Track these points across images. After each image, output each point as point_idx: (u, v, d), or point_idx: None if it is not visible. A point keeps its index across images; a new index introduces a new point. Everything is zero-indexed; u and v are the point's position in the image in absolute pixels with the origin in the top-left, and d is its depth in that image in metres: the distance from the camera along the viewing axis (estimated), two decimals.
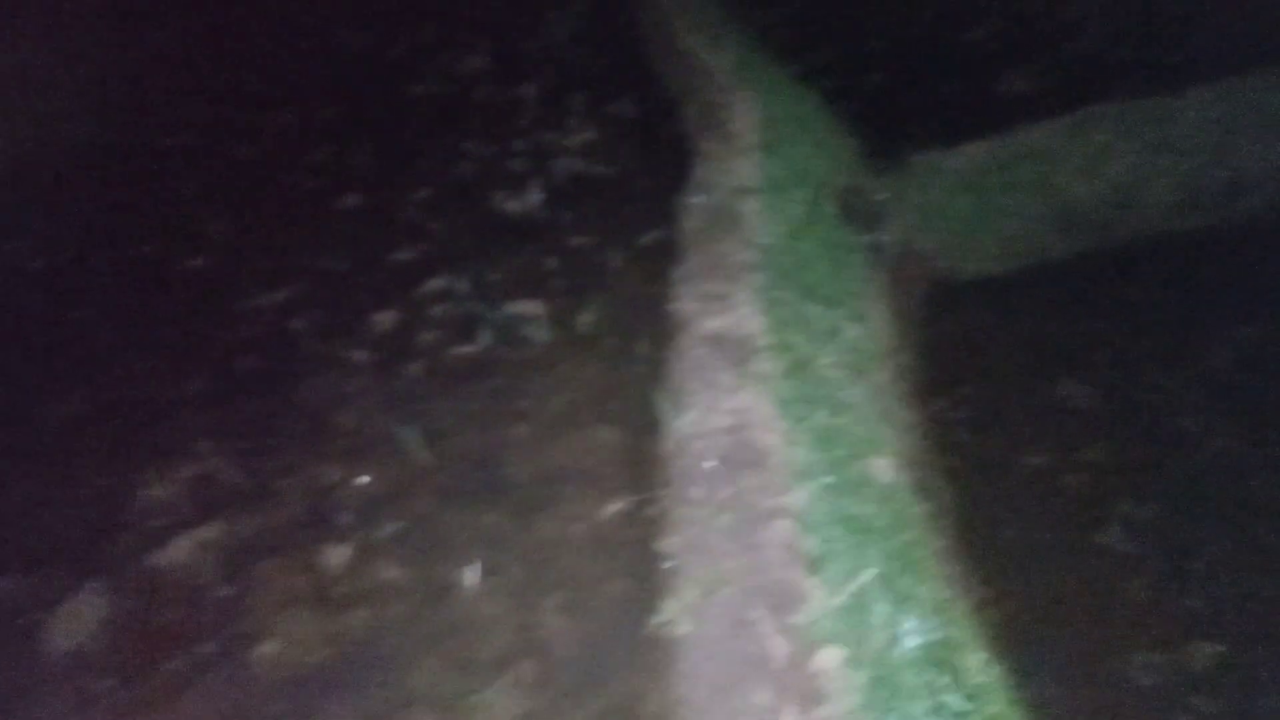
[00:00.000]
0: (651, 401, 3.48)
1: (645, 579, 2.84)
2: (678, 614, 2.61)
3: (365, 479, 3.45)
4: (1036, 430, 4.16)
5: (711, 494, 2.97)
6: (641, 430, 3.42)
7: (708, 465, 3.09)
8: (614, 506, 3.12)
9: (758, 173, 4.77)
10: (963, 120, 5.80)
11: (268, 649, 2.87)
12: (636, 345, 3.87)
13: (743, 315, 3.80)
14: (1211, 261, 4.84)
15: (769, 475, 3.00)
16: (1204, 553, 3.38)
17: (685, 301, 4.00)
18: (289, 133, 6.22)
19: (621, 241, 4.64)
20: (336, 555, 3.10)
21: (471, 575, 2.95)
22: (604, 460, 3.34)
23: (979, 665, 2.43)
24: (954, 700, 2.28)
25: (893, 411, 3.66)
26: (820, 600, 2.53)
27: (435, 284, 4.63)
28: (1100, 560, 3.50)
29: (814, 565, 2.64)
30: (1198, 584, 3.29)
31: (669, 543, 2.90)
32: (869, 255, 4.75)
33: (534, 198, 5.25)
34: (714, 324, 3.78)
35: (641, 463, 3.27)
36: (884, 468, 3.13)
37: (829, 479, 2.97)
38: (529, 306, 4.33)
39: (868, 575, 2.60)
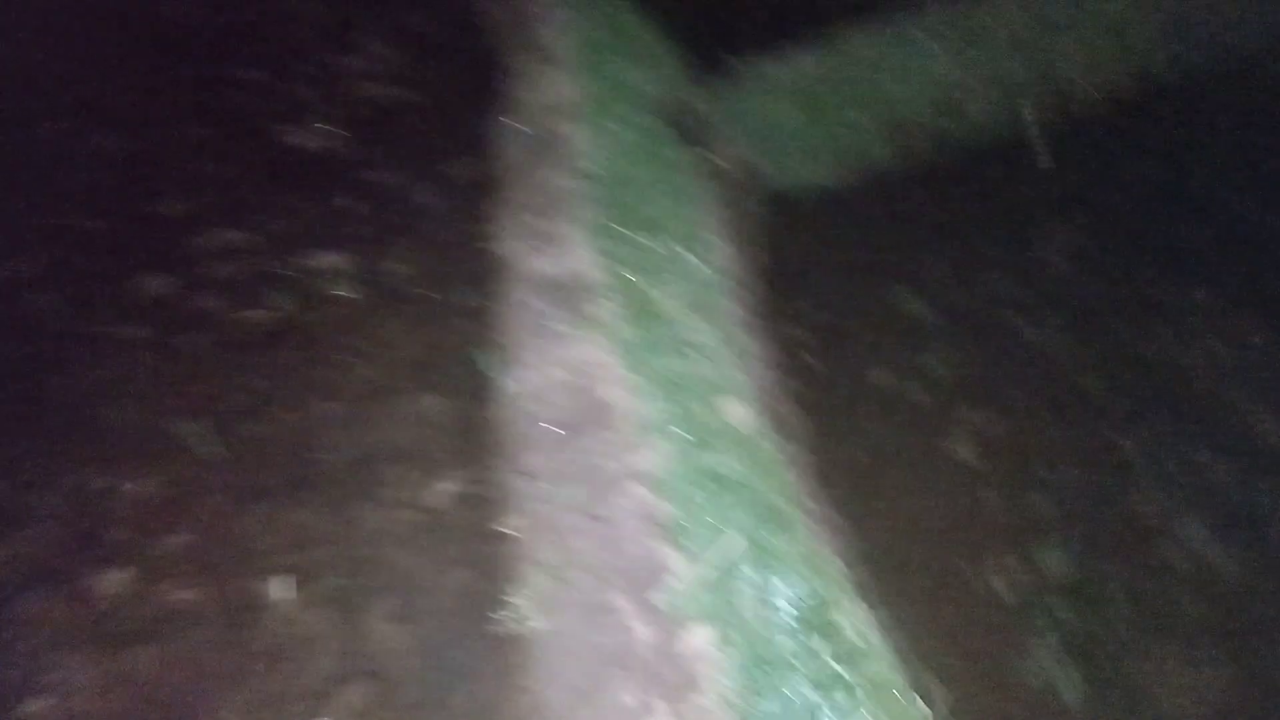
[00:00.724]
0: (478, 360, 3.10)
1: (486, 569, 2.52)
2: (527, 607, 2.31)
3: (141, 483, 2.91)
4: (878, 345, 4.06)
5: (553, 461, 2.66)
6: (469, 395, 3.04)
7: (547, 428, 2.76)
8: (444, 486, 2.75)
9: (578, 92, 4.36)
10: (789, 26, 5.55)
11: (36, 706, 2.37)
12: (457, 296, 3.45)
13: (574, 254, 3.45)
14: (1031, 160, 4.86)
15: (616, 434, 2.71)
16: (1048, 456, 3.39)
17: (509, 242, 3.60)
18: (18, 61, 5.23)
19: (431, 176, 4.15)
20: (112, 581, 2.60)
21: (281, 588, 2.52)
22: (429, 434, 2.95)
23: (856, 624, 2.27)
24: (835, 667, 2.10)
25: (740, 344, 3.43)
26: (684, 573, 2.29)
27: (214, 239, 3.99)
28: (951, 472, 3.45)
29: (674, 534, 2.39)
30: (1045, 488, 3.29)
31: (510, 523, 2.58)
32: (704, 176, 4.46)
33: (324, 130, 4.62)
34: (542, 266, 3.41)
35: (472, 433, 2.91)
36: (738, 410, 2.90)
37: (682, 431, 2.71)
38: (328, 259, 3.79)
39: (734, 539, 2.38)
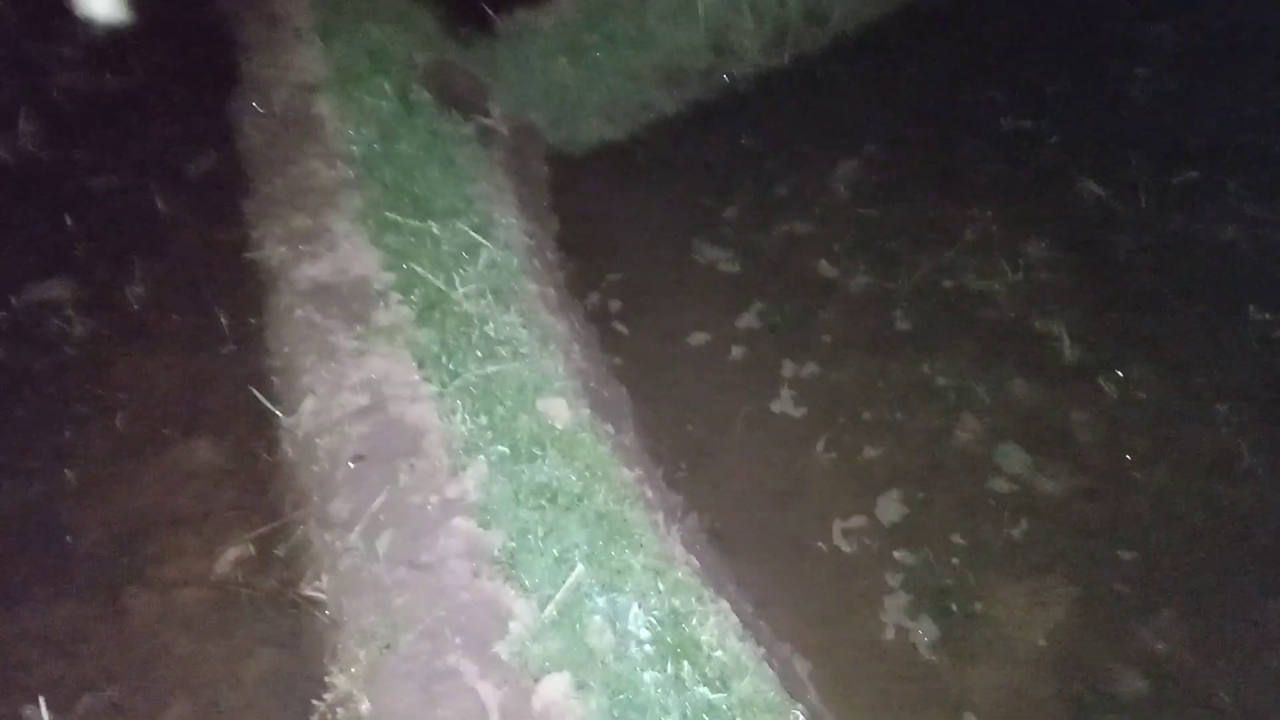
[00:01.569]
0: (253, 393, 2.64)
1: (296, 646, 2.14)
2: (351, 685, 1.97)
3: None
4: (689, 304, 3.89)
5: (361, 505, 2.29)
6: (249, 436, 2.59)
7: (349, 465, 2.39)
8: (233, 552, 2.32)
9: (323, 63, 3.84)
10: None
11: None
12: (215, 317, 2.94)
13: (348, 252, 3.02)
14: (808, 95, 4.81)
15: (429, 461, 2.37)
16: (870, 400, 3.36)
17: (269, 246, 3.11)
18: None
19: (164, 176, 3.53)
20: None
21: (38, 715, 2.03)
22: (205, 490, 2.48)
23: (719, 635, 2.09)
24: (707, 695, 1.91)
25: (548, 329, 3.14)
26: (526, 617, 2.02)
27: None
28: (779, 429, 3.35)
29: (509, 570, 2.11)
30: (872, 435, 3.26)
31: (318, 586, 2.20)
32: (478, 143, 4.08)
33: (27, 131, 3.85)
34: (313, 270, 2.96)
35: (258, 482, 2.47)
36: (559, 408, 2.62)
37: (501, 446, 2.41)
38: (50, 289, 3.15)
39: (574, 568, 2.12)
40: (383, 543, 2.14)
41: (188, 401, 2.72)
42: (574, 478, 2.38)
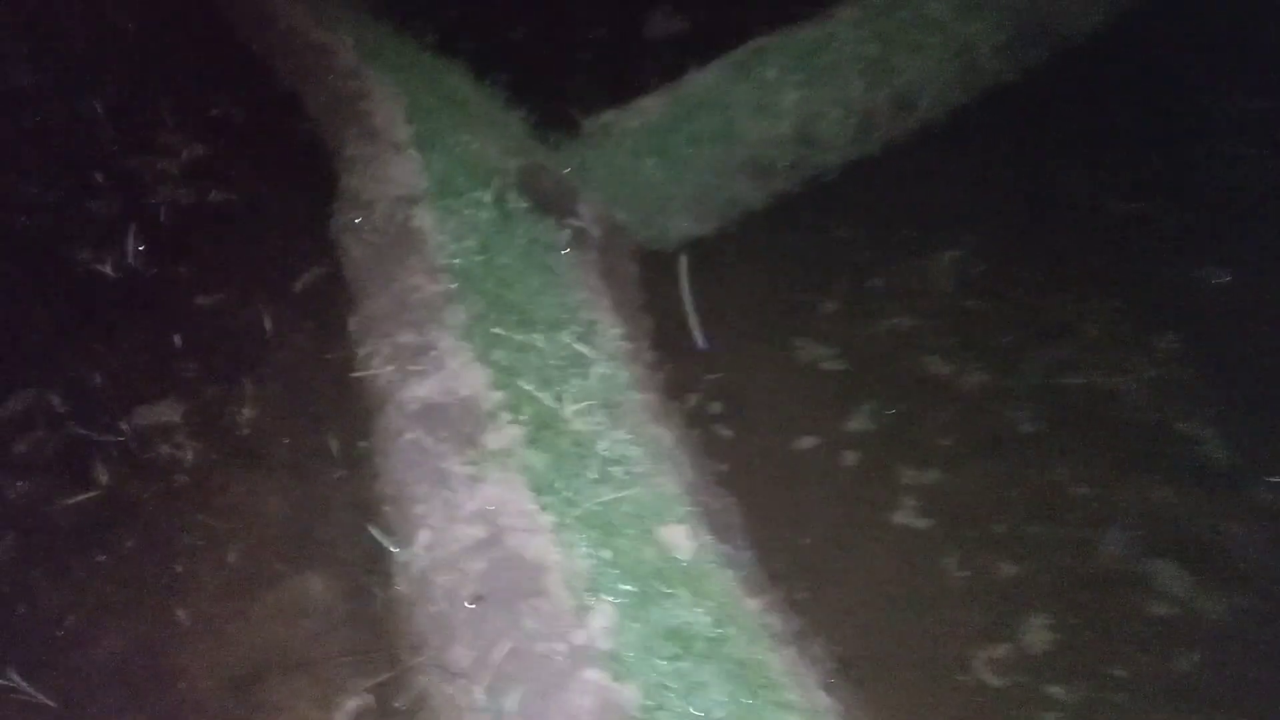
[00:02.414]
0: (365, 524, 2.52)
1: None
2: None
3: None
4: (794, 407, 3.70)
5: (483, 652, 2.12)
6: (361, 571, 2.46)
7: (468, 606, 2.23)
8: (351, 704, 2.17)
9: (422, 174, 3.82)
10: (626, 72, 5.21)
11: None
12: (325, 440, 2.84)
13: (455, 370, 2.91)
14: (900, 183, 4.66)
15: (551, 602, 2.20)
16: (997, 509, 3.11)
17: (376, 364, 3.02)
18: None
19: (269, 292, 3.50)
20: None
21: None
22: (319, 631, 2.35)
23: None
24: None
25: (657, 442, 2.99)
26: None
27: (14, 405, 3.23)
28: (904, 543, 3.11)
29: None
30: (1003, 548, 3.01)
31: None
32: (573, 247, 4.00)
33: (133, 248, 3.89)
34: (422, 390, 2.86)
35: (373, 623, 2.33)
36: (678, 537, 2.44)
37: (626, 585, 2.23)
38: (160, 411, 3.11)
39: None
40: (511, 701, 1.96)
41: (299, 532, 2.61)
42: (707, 618, 2.18)
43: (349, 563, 2.49)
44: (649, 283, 4.42)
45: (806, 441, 3.55)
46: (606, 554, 2.29)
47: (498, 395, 2.80)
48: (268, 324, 3.31)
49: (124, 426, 3.00)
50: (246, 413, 2.97)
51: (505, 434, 2.68)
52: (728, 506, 3.21)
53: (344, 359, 3.08)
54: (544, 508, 2.43)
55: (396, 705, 2.13)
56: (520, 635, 2.12)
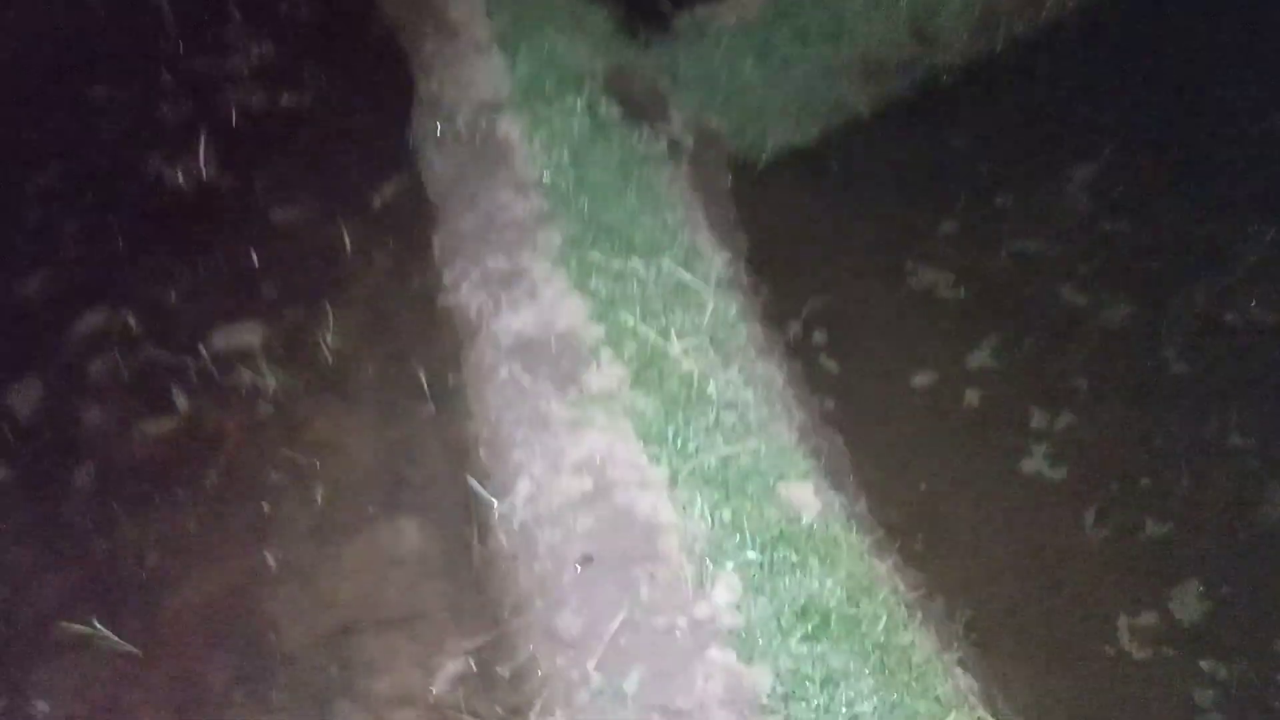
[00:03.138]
0: (457, 469, 2.32)
1: None
2: None
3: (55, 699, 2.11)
4: (907, 339, 3.38)
5: (595, 622, 1.93)
6: (457, 518, 2.27)
7: (576, 568, 2.03)
8: (451, 667, 2.00)
9: (506, 76, 3.49)
10: None
11: None
12: (413, 372, 2.64)
13: (551, 300, 2.65)
14: (1027, 88, 4.17)
15: (669, 569, 1.99)
16: (1146, 462, 2.79)
17: (464, 291, 2.79)
18: None
19: (348, 207, 3.26)
20: None
21: None
22: (414, 582, 2.18)
23: None
24: None
25: (769, 383, 2.71)
26: None
27: (87, 322, 3.08)
28: (1034, 494, 2.83)
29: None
30: (1153, 504, 2.70)
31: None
32: (665, 156, 3.66)
33: (205, 155, 3.66)
34: (516, 322, 2.62)
35: (472, 578, 2.15)
36: (804, 497, 2.20)
37: (750, 552, 2.00)
38: (240, 334, 2.92)
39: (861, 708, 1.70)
40: (631, 681, 1.77)
41: (389, 472, 2.43)
42: (839, 592, 1.95)
43: (444, 509, 2.31)
44: (742, 198, 4.07)
45: (922, 378, 3.25)
46: (726, 514, 2.05)
47: (598, 329, 2.54)
48: (347, 242, 3.07)
49: (202, 349, 2.82)
50: (330, 339, 2.76)
51: (607, 374, 2.44)
52: (834, 446, 2.94)
53: (429, 284, 2.85)
54: (654, 459, 2.20)
55: (500, 672, 1.95)
56: (636, 605, 1.92)
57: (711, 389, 2.43)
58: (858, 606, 1.92)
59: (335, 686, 2.02)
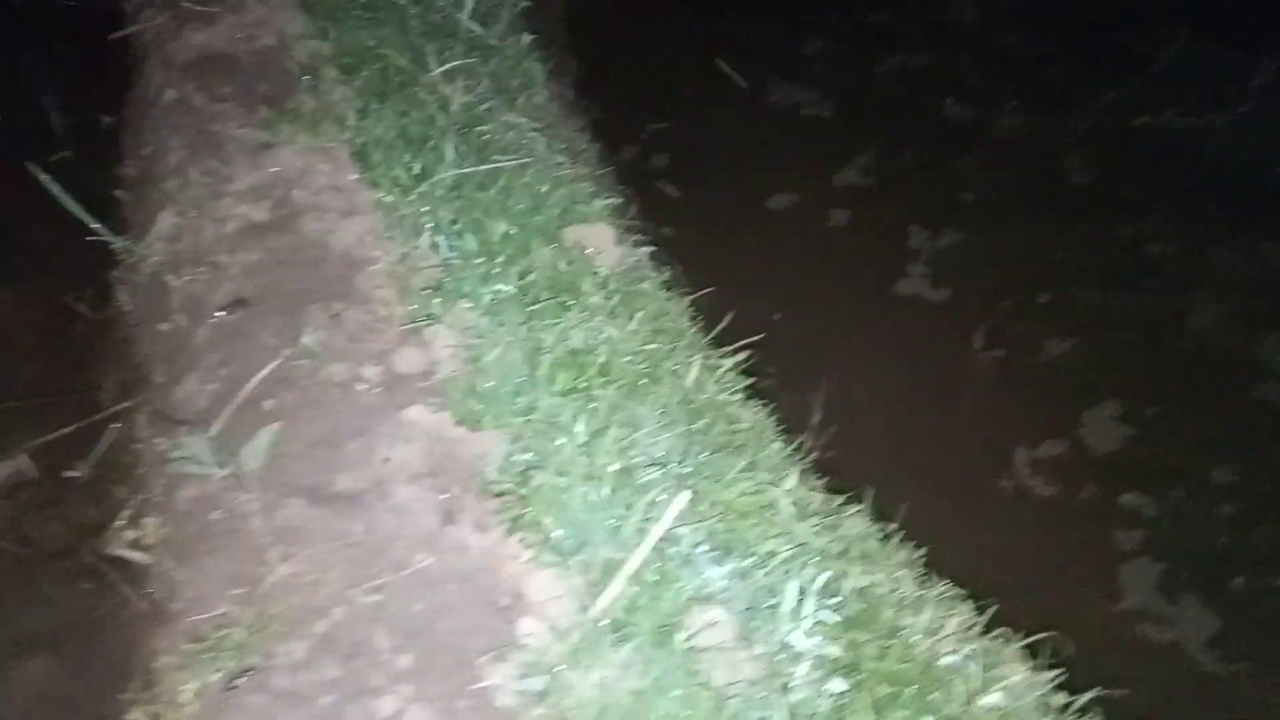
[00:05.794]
0: (84, 222, 1.51)
1: (88, 654, 1.05)
2: None
3: None
4: (763, 160, 2.76)
5: (230, 385, 1.18)
6: (67, 280, 1.47)
7: (217, 317, 1.27)
8: (2, 473, 1.22)
9: None
10: None
11: None
12: (45, 117, 1.80)
13: (262, 15, 1.87)
14: None
15: (365, 309, 1.25)
16: (1041, 276, 2.24)
17: (143, 17, 1.96)
18: None
19: None
20: None
21: None
22: None
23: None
24: None
25: (572, 143, 2.00)
26: (558, 611, 0.92)
27: None
28: (914, 317, 2.26)
29: (522, 511, 1.01)
30: (1052, 322, 2.15)
31: (137, 540, 1.10)
32: None
33: None
34: (199, 38, 1.82)
35: (70, 353, 1.36)
36: (600, 239, 1.49)
37: (503, 285, 1.28)
38: None
39: (655, 502, 1.01)
40: (255, 451, 1.02)
41: None
42: (632, 340, 1.26)
43: (53, 274, 1.49)
44: (573, 21, 3.35)
45: (781, 199, 2.62)
46: (471, 243, 1.34)
47: (320, 46, 1.78)
48: None
49: None
50: None
51: (327, 94, 1.67)
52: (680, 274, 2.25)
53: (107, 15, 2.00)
54: (373, 183, 1.46)
55: (74, 475, 1.17)
56: (297, 354, 1.17)
57: (483, 128, 1.69)
58: (659, 356, 1.23)
59: None
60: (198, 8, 1.88)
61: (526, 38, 2.06)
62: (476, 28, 2.06)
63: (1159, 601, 1.69)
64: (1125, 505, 1.83)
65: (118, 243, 1.43)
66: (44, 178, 1.35)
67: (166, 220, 1.44)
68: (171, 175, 1.52)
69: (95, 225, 1.47)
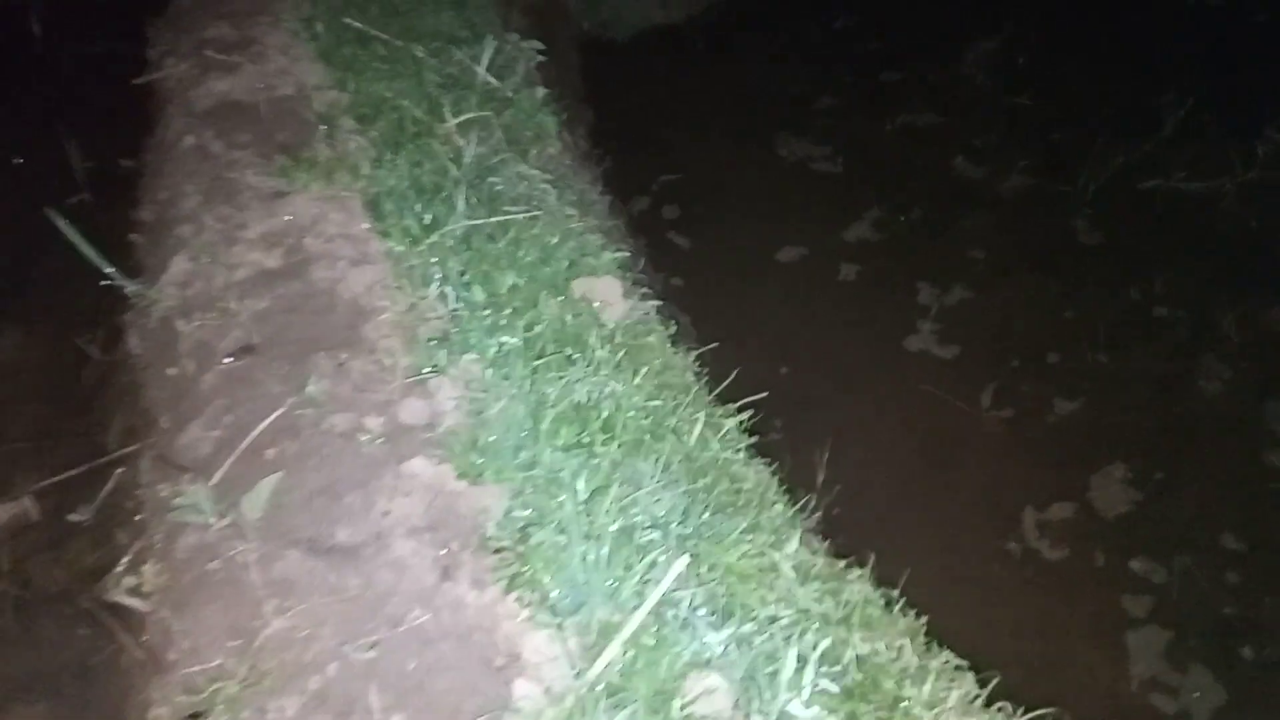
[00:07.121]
0: (96, 263, 1.54)
1: (84, 702, 1.04)
2: None
3: None
4: (774, 213, 2.79)
5: (235, 432, 1.18)
6: (78, 321, 1.49)
7: (224, 363, 1.28)
8: (2, 515, 1.22)
9: None
10: None
11: None
12: (65, 160, 1.83)
13: (283, 65, 1.91)
14: None
15: (370, 358, 1.26)
16: (1050, 336, 2.24)
17: (167, 66, 2.00)
18: None
19: None
20: None
21: None
22: None
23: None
24: None
25: (582, 195, 2.03)
26: (554, 674, 0.91)
27: None
28: (922, 374, 2.25)
29: (520, 570, 1.01)
30: (1061, 382, 2.14)
31: (135, 587, 1.10)
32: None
33: None
34: (220, 85, 1.86)
35: (78, 395, 1.38)
36: (608, 292, 1.50)
37: (508, 338, 1.29)
38: None
39: (655, 565, 1.01)
40: (256, 501, 1.03)
41: (8, 275, 1.62)
42: (636, 396, 1.26)
43: (65, 315, 1.51)
44: (590, 77, 3.41)
45: (791, 252, 2.64)
46: (478, 295, 1.35)
47: (339, 96, 1.81)
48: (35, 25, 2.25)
49: None
50: None
51: (343, 143, 1.70)
52: (682, 329, 2.27)
53: (125, 59, 2.05)
54: (384, 233, 1.48)
55: (75, 519, 1.18)
56: (301, 403, 1.18)
57: (495, 179, 1.72)
58: (662, 413, 1.23)
59: None
60: (220, 56, 1.93)
61: (540, 90, 2.09)
62: (492, 80, 2.10)
63: (1166, 670, 1.66)
64: (1134, 571, 1.81)
65: (130, 286, 1.44)
66: (61, 223, 1.36)
67: (179, 265, 1.46)
68: (187, 220, 1.54)
69: (109, 270, 1.49)
